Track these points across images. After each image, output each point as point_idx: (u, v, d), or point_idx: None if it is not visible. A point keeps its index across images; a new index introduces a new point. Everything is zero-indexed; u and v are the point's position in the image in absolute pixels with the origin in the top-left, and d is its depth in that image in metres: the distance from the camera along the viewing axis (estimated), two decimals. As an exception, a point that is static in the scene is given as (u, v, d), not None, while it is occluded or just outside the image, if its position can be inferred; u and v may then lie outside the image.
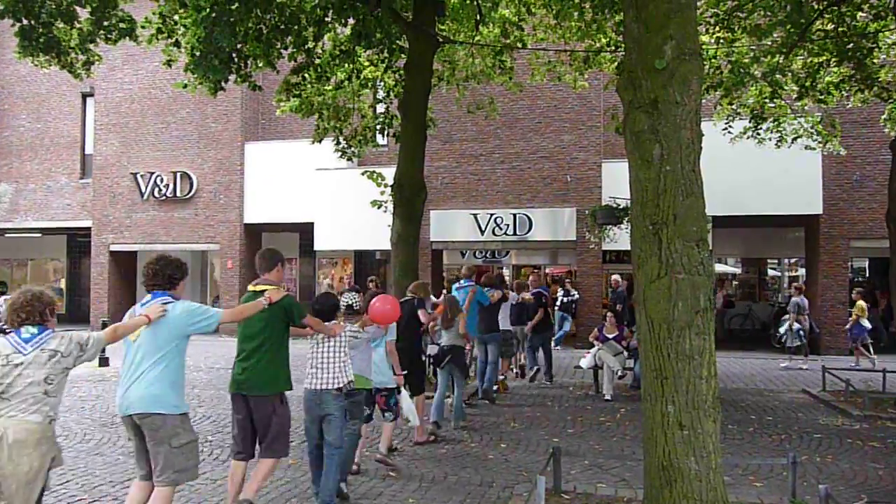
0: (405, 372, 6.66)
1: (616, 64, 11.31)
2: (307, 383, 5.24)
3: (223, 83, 9.90)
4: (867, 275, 20.02)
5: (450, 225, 18.08)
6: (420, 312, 7.66)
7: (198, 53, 9.33)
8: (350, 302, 5.85)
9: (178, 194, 20.13)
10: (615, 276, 16.36)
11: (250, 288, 5.06)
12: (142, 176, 20.46)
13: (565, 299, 16.94)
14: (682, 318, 4.28)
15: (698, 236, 4.33)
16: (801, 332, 14.31)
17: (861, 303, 14.51)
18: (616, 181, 14.95)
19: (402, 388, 6.51)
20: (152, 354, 4.09)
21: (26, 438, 3.41)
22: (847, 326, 14.56)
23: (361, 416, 5.88)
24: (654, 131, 4.34)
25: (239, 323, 4.92)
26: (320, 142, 13.39)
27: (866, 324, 14.33)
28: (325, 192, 18.53)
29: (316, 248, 19.18)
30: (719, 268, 22.07)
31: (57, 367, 3.54)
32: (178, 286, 4.31)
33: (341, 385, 5.18)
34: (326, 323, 5.21)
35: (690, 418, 4.26)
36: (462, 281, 10.10)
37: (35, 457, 3.43)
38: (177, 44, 9.84)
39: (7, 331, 3.58)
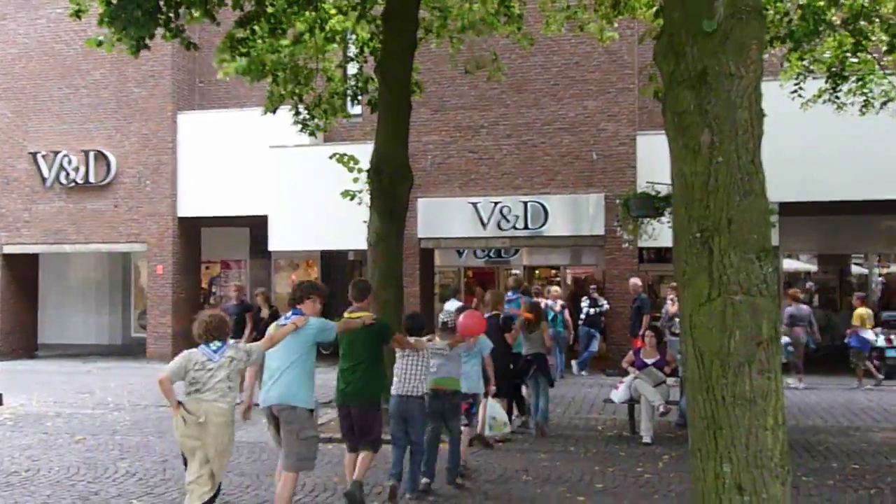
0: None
1: (655, 9, 11.31)
2: (394, 390, 7.57)
3: (147, 40, 9.85)
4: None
5: (443, 217, 18.10)
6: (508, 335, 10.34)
7: (114, 1, 9.29)
8: (445, 319, 8.20)
9: (92, 180, 20.09)
10: (633, 280, 16.36)
11: (347, 315, 7.43)
12: (43, 156, 20.41)
13: (591, 311, 17.00)
14: (739, 351, 4.29)
15: (760, 246, 4.34)
16: (789, 348, 14.80)
17: (862, 310, 15.12)
18: (654, 159, 14.92)
19: (488, 397, 9.23)
20: (289, 358, 6.55)
21: (221, 420, 6.05)
22: (846, 339, 15.32)
23: (459, 416, 8.18)
24: (701, 112, 4.34)
25: (342, 343, 7.29)
26: (274, 111, 13.34)
27: (870, 336, 14.99)
28: (283, 177, 18.52)
29: (271, 247, 19.20)
30: (789, 264, 22.16)
31: (233, 368, 6.20)
32: (307, 304, 6.86)
33: (422, 393, 7.56)
34: (412, 339, 7.55)
35: (752, 480, 4.28)
36: (510, 293, 12.59)
37: (228, 433, 6.11)
38: (87, -11, 9.81)
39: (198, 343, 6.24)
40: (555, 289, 16.75)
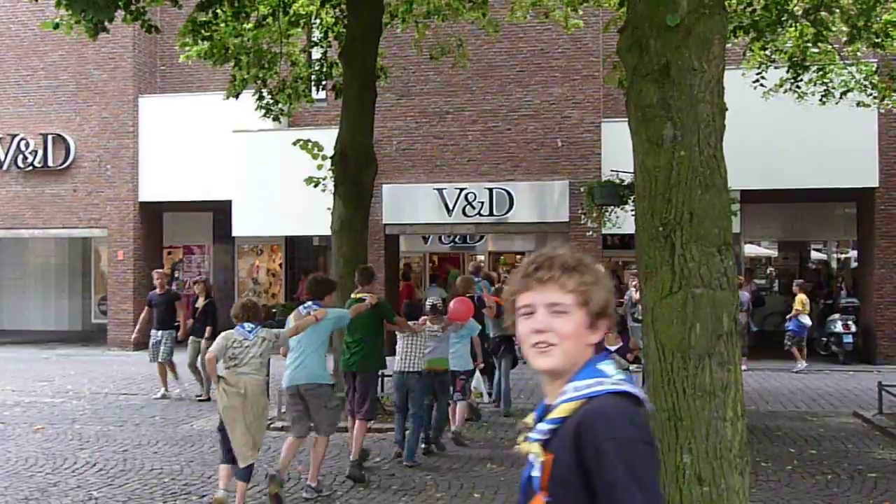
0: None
1: (619, -2, 11.34)
2: (396, 367, 8.77)
3: (107, 23, 9.67)
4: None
5: (408, 203, 18.05)
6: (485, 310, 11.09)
7: (72, -16, 9.09)
8: (434, 303, 9.21)
9: (50, 164, 19.73)
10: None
11: (353, 295, 8.57)
12: (0, 140, 19.99)
13: None
14: (700, 344, 4.34)
15: (721, 240, 4.38)
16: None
17: (802, 296, 15.79)
18: (618, 146, 14.91)
19: (476, 370, 10.39)
20: (313, 345, 7.58)
21: (257, 389, 6.97)
22: (787, 323, 15.92)
23: (450, 392, 9.35)
24: (664, 106, 4.36)
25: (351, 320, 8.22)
26: (237, 96, 13.19)
27: (806, 321, 15.72)
28: (246, 162, 18.33)
29: (234, 233, 19.03)
30: (751, 249, 22.46)
31: (265, 347, 7.05)
32: (326, 298, 7.86)
33: (420, 369, 8.72)
34: (410, 322, 8.78)
35: (712, 471, 4.33)
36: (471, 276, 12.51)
37: (262, 401, 7.10)
38: (43, -30, 9.61)
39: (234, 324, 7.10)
40: None
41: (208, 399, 12.05)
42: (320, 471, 7.75)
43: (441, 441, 9.36)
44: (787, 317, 16.07)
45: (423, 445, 9.03)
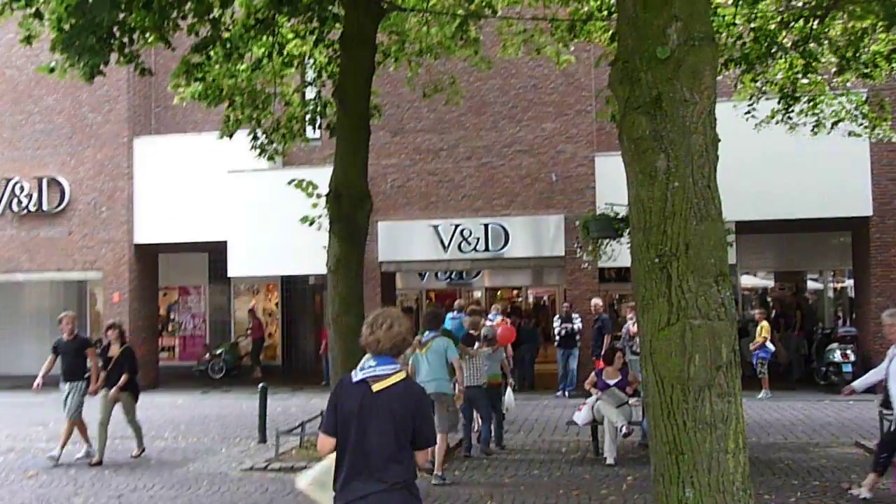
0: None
1: (611, 33, 11.45)
2: (466, 383, 10.40)
3: (102, 66, 9.72)
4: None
5: (403, 240, 18.07)
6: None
7: (67, 27, 9.15)
8: (487, 333, 11.39)
9: (45, 207, 19.75)
10: (595, 300, 16.44)
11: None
12: (-4, 184, 20.03)
13: (563, 330, 16.89)
14: (699, 375, 4.32)
15: (717, 270, 4.38)
16: None
17: (766, 323, 16.17)
18: (613, 180, 14.95)
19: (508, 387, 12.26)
20: (437, 362, 9.75)
21: None
22: (752, 348, 16.12)
23: (500, 399, 11.69)
24: (657, 138, 4.38)
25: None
26: (231, 137, 13.24)
27: (771, 347, 16.16)
28: (241, 202, 18.37)
29: (230, 273, 18.99)
30: (748, 280, 22.46)
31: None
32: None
33: (482, 384, 10.88)
34: (469, 349, 10.91)
35: (714, 504, 4.29)
36: (454, 313, 13.59)
37: None
38: (38, 14, 9.65)
39: None
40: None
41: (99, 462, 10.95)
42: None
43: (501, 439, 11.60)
44: (752, 346, 16.06)
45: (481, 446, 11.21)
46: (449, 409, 9.80)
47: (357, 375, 4.21)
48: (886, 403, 8.83)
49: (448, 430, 9.80)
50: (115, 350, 11.25)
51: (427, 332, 10.03)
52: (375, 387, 4.11)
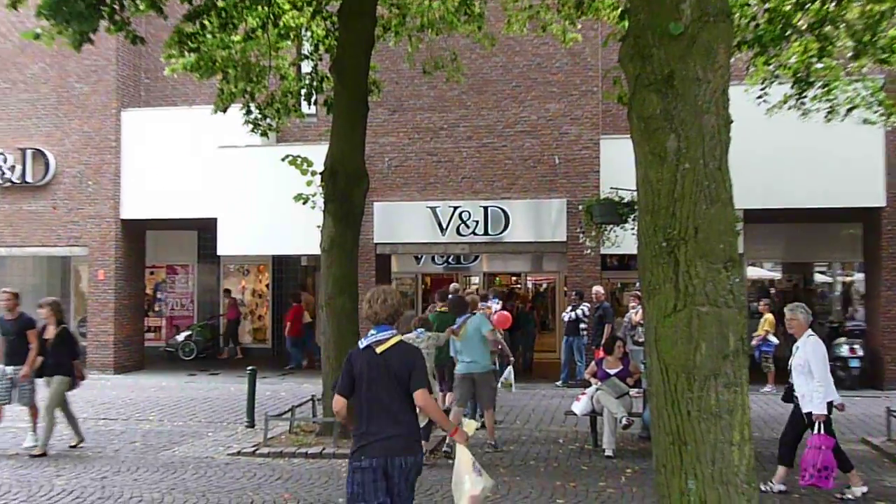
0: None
1: (620, 11, 11.40)
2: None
3: (91, 34, 9.67)
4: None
5: (400, 222, 18.05)
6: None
7: (54, -8, 9.09)
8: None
9: (30, 179, 19.67)
10: (596, 288, 16.36)
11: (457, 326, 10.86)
12: (-22, 155, 19.95)
13: (573, 314, 16.81)
14: (705, 364, 4.32)
15: (726, 256, 4.37)
16: None
17: (770, 316, 16.11)
18: (618, 164, 15.06)
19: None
20: (474, 342, 10.62)
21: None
22: (754, 343, 16.04)
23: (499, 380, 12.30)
24: (668, 117, 4.37)
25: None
26: (224, 111, 13.22)
27: (774, 340, 16.15)
28: (232, 179, 18.32)
29: (220, 251, 18.95)
30: (754, 272, 22.47)
31: (431, 343, 10.29)
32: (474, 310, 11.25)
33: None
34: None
35: (718, 497, 4.30)
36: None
37: (432, 382, 9.41)
38: (24, -21, 9.59)
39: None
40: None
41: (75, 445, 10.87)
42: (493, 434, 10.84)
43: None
44: (754, 339, 16.03)
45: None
46: (492, 386, 10.84)
47: (363, 343, 5.38)
48: (788, 397, 9.07)
49: (493, 404, 11.00)
50: (50, 332, 10.61)
51: (458, 319, 10.82)
52: (379, 349, 5.28)
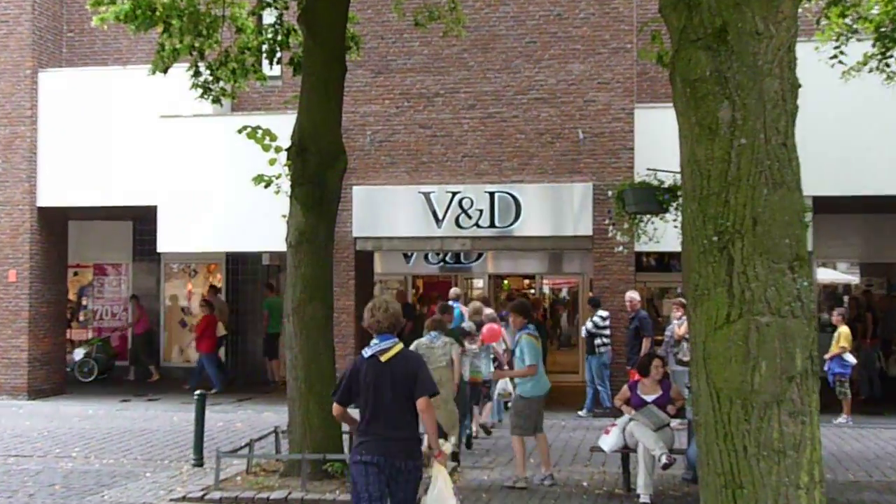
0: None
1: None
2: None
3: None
4: None
5: (385, 210, 18.06)
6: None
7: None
8: (467, 327, 14.15)
9: (-76, 157, 19.68)
10: (630, 294, 16.30)
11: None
12: None
13: (583, 328, 16.93)
14: (766, 388, 4.32)
15: (792, 254, 4.37)
16: None
17: (845, 329, 15.75)
18: (657, 139, 15.13)
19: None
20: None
21: (444, 378, 11.41)
22: (826, 362, 15.56)
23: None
24: (720, 80, 4.37)
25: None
26: (165, 71, 13.21)
27: (851, 359, 15.75)
28: (177, 156, 18.33)
29: (160, 248, 18.97)
30: (826, 274, 22.49)
31: (446, 349, 12.10)
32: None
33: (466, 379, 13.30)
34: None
35: (780, 553, 4.30)
36: (450, 303, 15.20)
37: (450, 387, 11.90)
38: None
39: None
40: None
41: None
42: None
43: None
44: (827, 357, 15.65)
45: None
46: (527, 411, 11.44)
47: (367, 352, 6.75)
48: None
49: (528, 432, 11.40)
50: None
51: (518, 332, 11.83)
52: (383, 358, 6.64)
